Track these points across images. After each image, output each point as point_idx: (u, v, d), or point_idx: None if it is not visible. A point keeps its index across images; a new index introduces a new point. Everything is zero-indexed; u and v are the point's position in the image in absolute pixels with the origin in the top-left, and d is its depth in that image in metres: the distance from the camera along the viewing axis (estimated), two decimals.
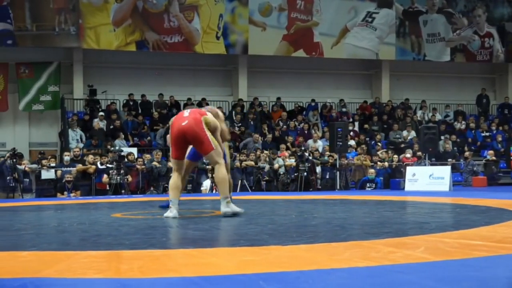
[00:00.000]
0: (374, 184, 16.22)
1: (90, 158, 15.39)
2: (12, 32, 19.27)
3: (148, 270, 3.19)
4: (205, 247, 4.14)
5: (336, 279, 2.96)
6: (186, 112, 6.86)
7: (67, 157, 15.49)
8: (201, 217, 6.77)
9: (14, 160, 14.49)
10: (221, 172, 6.68)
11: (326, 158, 17.39)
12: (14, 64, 19.94)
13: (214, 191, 14.75)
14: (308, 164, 16.06)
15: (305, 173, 15.83)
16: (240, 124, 20.02)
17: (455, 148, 19.90)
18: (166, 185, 15.53)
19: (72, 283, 2.92)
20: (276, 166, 16.67)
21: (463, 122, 22.55)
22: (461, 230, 4.95)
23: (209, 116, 6.88)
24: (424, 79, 24.72)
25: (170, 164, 7.26)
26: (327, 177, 17.06)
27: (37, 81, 19.98)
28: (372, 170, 16.59)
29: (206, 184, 15.33)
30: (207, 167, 15.87)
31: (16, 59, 20.03)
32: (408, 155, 18.07)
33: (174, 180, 6.84)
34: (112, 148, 16.25)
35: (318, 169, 17.09)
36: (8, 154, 14.92)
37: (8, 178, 14.41)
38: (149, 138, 18.90)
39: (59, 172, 14.98)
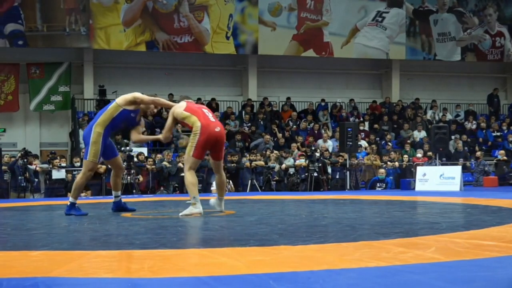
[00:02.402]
0: (384, 184, 16.18)
1: None
2: (23, 33, 19.37)
3: (158, 270, 3.20)
4: (215, 247, 4.15)
5: (347, 279, 2.95)
6: (210, 116, 7.10)
7: (77, 164, 15.51)
8: (211, 217, 6.78)
9: (25, 160, 14.58)
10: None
11: (334, 158, 17.34)
12: (25, 64, 20.05)
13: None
14: (319, 164, 16.04)
15: (315, 173, 15.81)
16: (249, 124, 20.02)
17: (466, 148, 19.82)
18: (177, 185, 15.58)
19: (83, 282, 2.93)
20: (283, 166, 16.64)
21: (474, 122, 22.44)
22: (472, 230, 4.93)
23: None
24: (435, 79, 24.65)
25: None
26: (337, 177, 17.04)
27: (48, 82, 20.08)
28: (382, 170, 16.55)
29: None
30: None
31: (27, 60, 20.15)
32: (419, 155, 18.02)
33: (194, 177, 7.07)
34: (122, 148, 16.30)
35: (328, 169, 17.06)
36: (19, 154, 15.01)
37: (19, 178, 14.49)
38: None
39: (69, 175, 15.01)
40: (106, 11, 20.01)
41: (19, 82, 19.97)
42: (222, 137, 7.03)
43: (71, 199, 7.36)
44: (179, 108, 7.10)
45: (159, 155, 16.64)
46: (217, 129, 6.96)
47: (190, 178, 6.99)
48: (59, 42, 19.99)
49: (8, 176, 14.92)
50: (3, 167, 14.78)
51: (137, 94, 7.42)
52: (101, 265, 3.39)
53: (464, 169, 16.96)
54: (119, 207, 7.70)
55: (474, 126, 22.24)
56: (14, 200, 12.82)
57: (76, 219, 6.84)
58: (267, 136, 18.72)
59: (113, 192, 7.79)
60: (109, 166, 8.15)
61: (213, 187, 15.46)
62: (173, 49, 20.60)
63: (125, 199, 9.23)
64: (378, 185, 16.20)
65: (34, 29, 19.58)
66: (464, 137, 20.57)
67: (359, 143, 17.89)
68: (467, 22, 23.60)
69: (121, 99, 7.38)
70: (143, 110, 7.48)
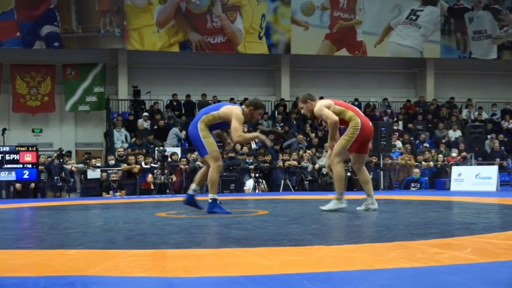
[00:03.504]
0: (419, 184, 16.01)
1: (131, 159, 15.58)
2: (59, 35, 19.67)
3: (192, 269, 3.21)
4: (249, 247, 4.15)
5: (381, 279, 2.93)
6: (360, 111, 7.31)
7: (111, 161, 15.69)
8: (244, 217, 6.78)
9: (61, 160, 14.79)
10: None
11: (367, 158, 17.21)
12: (61, 65, 20.36)
13: (257, 191, 14.77)
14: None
15: (348, 173, 15.71)
16: (282, 124, 20.00)
17: (503, 147, 19.52)
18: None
19: (118, 281, 2.96)
20: (316, 166, 16.58)
21: (510, 121, 22.09)
22: (509, 231, 4.85)
23: None
24: (470, 77, 24.30)
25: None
26: (371, 177, 16.91)
27: (83, 82, 20.35)
28: (417, 170, 16.38)
29: (249, 183, 15.36)
30: (250, 167, 15.92)
31: (62, 61, 20.45)
32: (454, 154, 17.79)
33: (343, 171, 7.16)
34: (156, 148, 16.46)
35: None
36: (55, 154, 15.24)
37: (55, 177, 14.72)
38: None
39: (104, 175, 15.20)
40: (140, 12, 20.21)
41: (55, 83, 20.27)
42: (373, 133, 7.32)
43: (210, 195, 7.07)
44: (329, 102, 7.15)
45: (193, 155, 16.71)
46: (370, 124, 7.21)
47: (341, 171, 7.08)
48: (94, 43, 20.25)
49: (44, 176, 15.18)
50: (40, 167, 15.03)
51: (237, 127, 6.96)
52: (136, 264, 3.42)
53: (501, 169, 16.70)
54: (191, 202, 7.52)
55: (511, 125, 21.89)
56: (50, 200, 13.02)
57: (112, 218, 6.92)
58: (300, 136, 18.69)
59: (192, 185, 7.58)
60: (201, 163, 8.06)
61: (246, 186, 15.49)
62: (206, 49, 20.70)
63: (158, 198, 9.31)
64: (412, 185, 16.04)
65: (69, 31, 19.88)
66: (501, 136, 20.26)
67: (393, 143, 17.73)
68: (504, 20, 23.23)
69: (224, 114, 7.05)
70: (246, 117, 7.17)
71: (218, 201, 7.09)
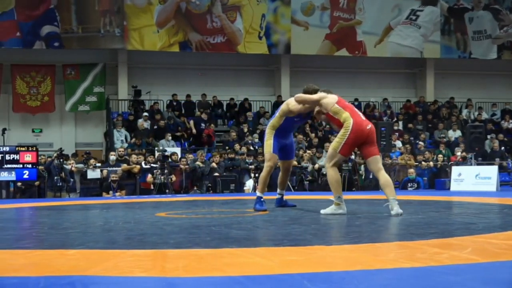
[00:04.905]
0: (416, 184, 16.01)
1: (133, 158, 15.60)
2: (59, 35, 19.66)
3: (192, 269, 3.21)
4: (249, 247, 4.15)
5: (381, 279, 2.93)
6: (361, 114, 6.91)
7: (112, 157, 15.71)
8: (244, 217, 6.79)
9: (61, 160, 14.80)
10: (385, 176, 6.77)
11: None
12: (61, 65, 20.35)
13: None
14: (351, 164, 15.95)
15: (348, 173, 15.74)
16: None
17: (503, 147, 19.52)
18: (210, 184, 15.64)
19: (118, 281, 2.97)
20: (316, 166, 16.58)
21: (510, 121, 22.09)
22: (509, 231, 4.85)
23: None
24: (470, 77, 24.31)
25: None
26: (371, 177, 16.91)
27: (83, 82, 20.34)
28: (411, 170, 16.36)
29: (249, 184, 15.37)
30: (250, 167, 15.92)
31: (62, 61, 20.44)
32: (458, 153, 17.78)
33: (338, 174, 6.89)
34: (156, 148, 16.46)
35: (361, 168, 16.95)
36: (55, 154, 15.24)
37: (55, 177, 14.72)
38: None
39: (105, 172, 15.22)
40: (140, 12, 20.20)
41: (55, 83, 20.26)
42: (372, 134, 6.71)
43: (257, 193, 7.72)
44: (331, 99, 6.87)
45: (190, 155, 16.74)
46: (368, 126, 6.70)
47: (334, 175, 6.75)
48: (94, 43, 20.25)
49: (45, 176, 15.19)
50: (40, 167, 15.04)
51: (285, 106, 7.66)
52: (136, 264, 3.42)
53: (501, 169, 16.69)
54: (281, 204, 8.13)
55: (510, 125, 21.89)
56: (50, 200, 13.02)
57: (112, 218, 6.92)
58: (300, 136, 18.68)
59: (278, 189, 8.27)
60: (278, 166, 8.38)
61: (246, 186, 15.50)
62: (206, 49, 20.70)
63: (158, 198, 9.26)
64: (409, 185, 16.04)
65: (69, 31, 19.87)
66: (501, 136, 20.25)
67: (393, 143, 17.73)
68: (504, 20, 23.23)
69: (282, 109, 7.71)
70: (306, 109, 7.57)
71: (262, 199, 7.59)
